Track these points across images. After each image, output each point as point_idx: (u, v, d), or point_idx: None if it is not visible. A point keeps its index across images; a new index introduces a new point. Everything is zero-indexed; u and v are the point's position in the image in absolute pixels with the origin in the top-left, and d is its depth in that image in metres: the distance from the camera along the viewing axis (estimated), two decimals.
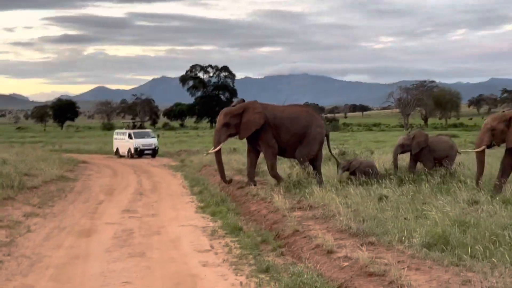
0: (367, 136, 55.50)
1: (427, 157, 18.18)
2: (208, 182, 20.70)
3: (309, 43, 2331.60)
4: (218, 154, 17.89)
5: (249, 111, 17.68)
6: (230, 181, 18.41)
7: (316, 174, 17.69)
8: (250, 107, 17.79)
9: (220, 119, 18.00)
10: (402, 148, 18.58)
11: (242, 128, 17.66)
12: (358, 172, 17.32)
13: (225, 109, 18.34)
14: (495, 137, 15.35)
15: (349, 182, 16.38)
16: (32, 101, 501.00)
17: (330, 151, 18.94)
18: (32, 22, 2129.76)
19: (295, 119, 17.81)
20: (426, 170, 17.57)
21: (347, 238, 9.88)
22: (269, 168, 17.88)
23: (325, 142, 18.46)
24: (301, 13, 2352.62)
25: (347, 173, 17.64)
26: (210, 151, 18.69)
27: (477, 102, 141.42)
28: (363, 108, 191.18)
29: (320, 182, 17.34)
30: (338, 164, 18.35)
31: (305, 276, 8.12)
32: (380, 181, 16.11)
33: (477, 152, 15.61)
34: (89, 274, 8.94)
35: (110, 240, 11.47)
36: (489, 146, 15.63)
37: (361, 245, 9.08)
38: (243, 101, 18.60)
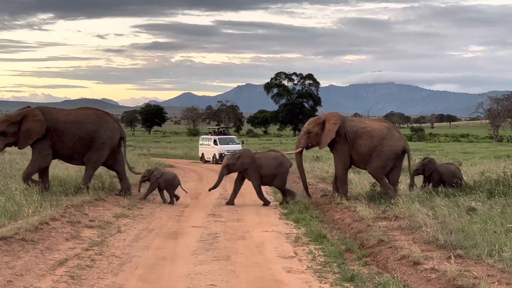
0: (454, 147, 54.09)
1: (254, 176, 17.64)
2: (292, 189, 20.70)
3: (395, 51, 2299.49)
4: None
5: (28, 118, 16.53)
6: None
7: (120, 181, 17.44)
8: (30, 114, 16.61)
9: None
10: (228, 169, 18.03)
11: (21, 137, 16.53)
12: (156, 183, 17.28)
13: (2, 116, 17.53)
14: (311, 139, 17.14)
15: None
16: (122, 106, 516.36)
17: (124, 154, 17.95)
18: (123, 30, 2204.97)
19: (80, 123, 16.82)
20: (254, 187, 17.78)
21: (434, 250, 9.70)
22: (25, 174, 16.49)
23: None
24: (387, 21, 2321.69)
25: (148, 183, 17.57)
26: None
27: None
28: (451, 118, 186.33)
29: (126, 190, 17.14)
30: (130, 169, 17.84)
31: (391, 286, 8.03)
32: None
33: (295, 154, 17.51)
34: (176, 275, 9.16)
35: (196, 243, 11.70)
36: (307, 148, 17.58)
37: (449, 257, 8.89)
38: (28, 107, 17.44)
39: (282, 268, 9.64)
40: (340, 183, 16.73)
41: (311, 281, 8.86)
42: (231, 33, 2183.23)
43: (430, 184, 17.06)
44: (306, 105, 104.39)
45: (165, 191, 17.68)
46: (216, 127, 53.32)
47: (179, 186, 17.77)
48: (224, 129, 47.09)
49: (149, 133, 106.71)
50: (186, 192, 18.22)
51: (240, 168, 17.81)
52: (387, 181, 16.14)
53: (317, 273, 9.31)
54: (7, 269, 8.60)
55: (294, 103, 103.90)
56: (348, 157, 16.52)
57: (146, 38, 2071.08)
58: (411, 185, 16.82)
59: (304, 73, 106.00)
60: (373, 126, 16.56)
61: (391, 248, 10.20)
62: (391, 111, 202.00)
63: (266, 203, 17.65)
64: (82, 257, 9.91)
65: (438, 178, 16.82)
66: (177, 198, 17.69)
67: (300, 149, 17.33)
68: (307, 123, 17.64)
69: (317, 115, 18.57)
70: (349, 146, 16.43)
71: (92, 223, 12.80)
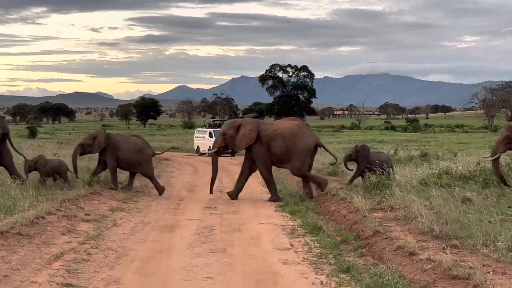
0: (449, 138, 54.23)
1: (109, 157, 17.50)
2: (287, 181, 20.75)
3: (390, 42, 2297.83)
4: None
5: None
6: None
7: (11, 175, 16.51)
8: None
9: None
10: (83, 148, 17.89)
11: None
12: (44, 171, 16.72)
13: None
14: (226, 141, 17.61)
15: (43, 182, 16.27)
16: (117, 99, 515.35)
17: (13, 147, 17.42)
18: (117, 23, 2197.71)
19: None
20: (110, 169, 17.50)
21: (430, 240, 9.72)
22: None
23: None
24: (381, 12, 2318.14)
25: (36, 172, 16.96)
26: None
27: None
28: (446, 109, 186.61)
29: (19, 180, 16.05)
30: (25, 162, 17.10)
31: (387, 277, 8.05)
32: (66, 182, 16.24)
33: (212, 154, 18.18)
34: (172, 268, 9.17)
35: (192, 235, 11.71)
36: (225, 148, 18.16)
37: (444, 247, 8.91)
38: None
39: (278, 260, 9.66)
40: (267, 183, 17.44)
41: (307, 273, 8.88)
42: (225, 25, 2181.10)
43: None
44: (301, 97, 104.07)
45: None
46: (211, 119, 53.29)
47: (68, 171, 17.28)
48: (219, 121, 47.04)
49: (144, 126, 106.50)
50: (72, 172, 17.42)
51: (98, 149, 17.57)
52: (313, 176, 17.25)
53: (313, 265, 9.33)
54: (3, 263, 8.59)
55: (289, 95, 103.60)
56: (267, 157, 17.23)
57: (140, 31, 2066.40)
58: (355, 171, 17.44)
59: (299, 65, 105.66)
60: (283, 127, 17.28)
61: (387, 239, 10.22)
62: (386, 102, 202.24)
63: (114, 187, 17.26)
64: (78, 251, 9.91)
65: (369, 165, 16.86)
66: (69, 183, 16.89)
67: (215, 149, 17.87)
68: (224, 125, 18.04)
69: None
70: (265, 148, 17.11)
71: (88, 217, 12.79)
